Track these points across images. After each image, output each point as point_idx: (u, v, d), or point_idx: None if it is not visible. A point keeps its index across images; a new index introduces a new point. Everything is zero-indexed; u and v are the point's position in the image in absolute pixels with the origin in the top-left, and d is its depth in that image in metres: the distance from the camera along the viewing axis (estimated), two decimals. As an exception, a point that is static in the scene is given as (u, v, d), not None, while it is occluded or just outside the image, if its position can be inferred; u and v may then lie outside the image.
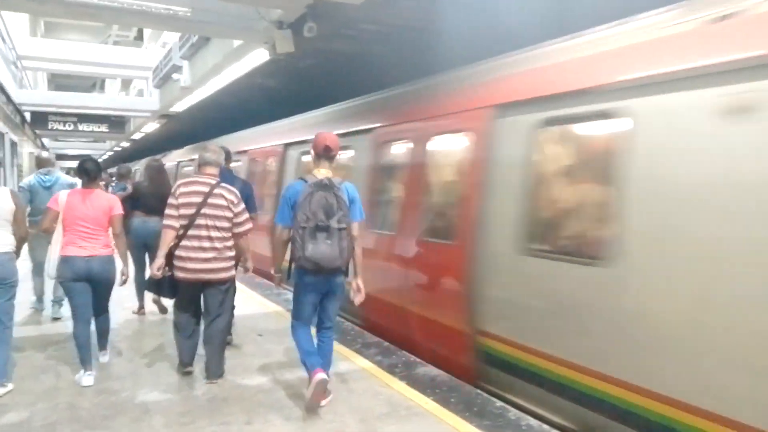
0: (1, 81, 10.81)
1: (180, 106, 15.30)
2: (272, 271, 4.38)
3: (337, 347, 5.45)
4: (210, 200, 4.39)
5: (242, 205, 4.53)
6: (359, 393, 4.38)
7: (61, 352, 5.30)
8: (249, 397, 4.29)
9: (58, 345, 5.48)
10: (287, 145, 9.33)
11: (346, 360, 5.13)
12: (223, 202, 4.42)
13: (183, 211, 4.38)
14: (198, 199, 4.39)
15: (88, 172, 4.70)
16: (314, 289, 4.09)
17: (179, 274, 4.44)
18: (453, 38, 7.15)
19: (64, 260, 4.50)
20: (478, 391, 4.50)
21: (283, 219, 4.04)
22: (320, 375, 3.91)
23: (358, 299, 4.17)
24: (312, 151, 4.16)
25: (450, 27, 7.04)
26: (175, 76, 13.93)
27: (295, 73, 11.08)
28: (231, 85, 11.30)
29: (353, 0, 6.29)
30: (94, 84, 38.98)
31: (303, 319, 4.20)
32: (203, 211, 4.38)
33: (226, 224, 4.44)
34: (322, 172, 4.03)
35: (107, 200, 4.76)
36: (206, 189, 4.42)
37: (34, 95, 20.17)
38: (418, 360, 5.19)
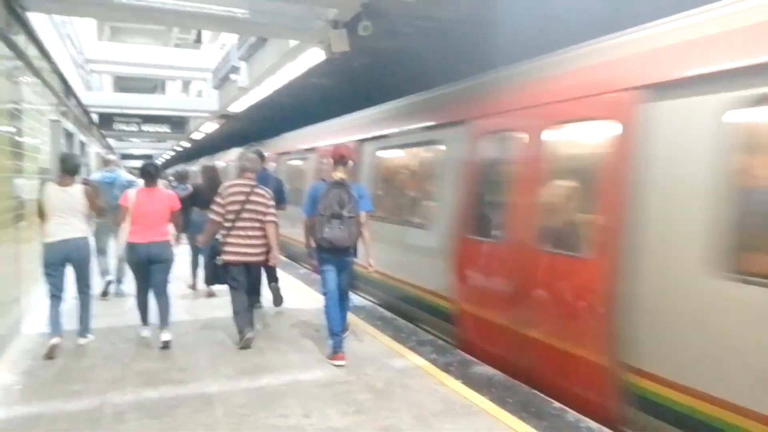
0: (71, 84, 11.32)
1: (238, 106, 15.64)
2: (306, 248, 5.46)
3: (392, 344, 5.49)
4: (250, 198, 5.49)
5: (271, 203, 5.61)
6: (415, 390, 4.38)
7: (128, 344, 5.54)
8: (306, 390, 4.36)
9: (122, 334, 5.74)
10: (361, 141, 8.84)
11: (402, 357, 5.15)
12: (260, 199, 5.52)
13: (229, 208, 5.46)
14: (241, 198, 5.47)
15: (150, 173, 5.65)
16: (331, 263, 5.17)
17: (231, 258, 5.49)
18: (510, 32, 7.04)
19: (130, 246, 5.50)
20: (535, 391, 4.43)
21: (308, 210, 5.16)
22: (340, 362, 4.96)
23: (371, 269, 5.34)
24: (331, 159, 5.19)
25: (507, 20, 6.92)
26: (233, 76, 14.25)
27: (350, 71, 11.14)
28: (287, 84, 11.47)
29: (408, -3, 6.28)
30: (155, 85, 40.36)
31: (330, 290, 5.19)
32: (246, 207, 5.46)
33: (261, 218, 5.51)
34: (338, 175, 5.12)
35: (168, 197, 5.70)
36: (247, 190, 5.52)
37: (101, 97, 21.03)
38: (473, 359, 5.16)
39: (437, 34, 8.30)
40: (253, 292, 5.99)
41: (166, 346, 5.39)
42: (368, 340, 5.68)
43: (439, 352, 5.35)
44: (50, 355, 5.09)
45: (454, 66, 8.90)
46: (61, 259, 5.33)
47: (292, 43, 9.25)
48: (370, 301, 7.55)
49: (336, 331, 5.08)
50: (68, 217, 5.33)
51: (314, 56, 8.83)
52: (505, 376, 4.71)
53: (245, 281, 5.59)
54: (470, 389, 4.39)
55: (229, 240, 5.48)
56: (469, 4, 7.03)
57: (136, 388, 4.38)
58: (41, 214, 5.36)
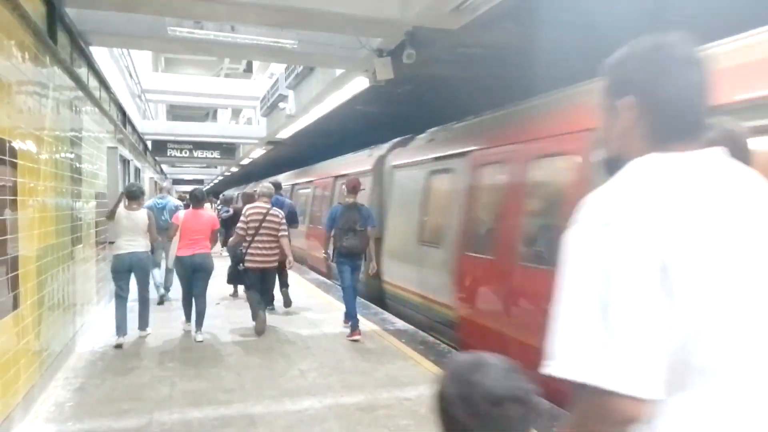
0: (128, 113, 11.84)
1: (285, 133, 16.02)
2: (323, 254, 7.37)
3: (434, 369, 5.46)
4: (267, 218, 6.97)
5: (284, 221, 7.11)
6: (456, 416, 4.33)
7: (174, 363, 5.68)
8: (348, 414, 4.38)
9: (171, 353, 5.89)
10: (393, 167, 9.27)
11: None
12: (274, 219, 7.00)
13: (250, 225, 6.91)
14: (259, 218, 6.95)
15: (197, 197, 7.06)
16: (347, 264, 6.79)
17: (251, 265, 6.94)
18: (553, 57, 7.04)
19: (178, 258, 6.75)
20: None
21: (329, 227, 6.94)
22: (357, 337, 6.56)
23: (371, 270, 7.24)
24: (345, 187, 6.93)
25: (550, 46, 6.93)
26: (281, 104, 14.64)
27: (393, 98, 11.29)
28: (332, 111, 11.71)
29: (451, 25, 6.36)
30: (207, 114, 41.69)
31: (346, 285, 6.79)
32: (264, 224, 6.92)
33: (275, 233, 6.97)
34: (351, 200, 6.85)
35: (210, 218, 7.07)
36: (264, 211, 7.01)
37: (155, 125, 21.87)
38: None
39: (479, 60, 8.37)
40: (266, 292, 7.54)
41: (200, 342, 6.50)
42: (411, 364, 5.67)
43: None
44: (118, 346, 6.25)
45: (497, 91, 8.93)
46: (127, 268, 6.55)
47: (338, 71, 9.48)
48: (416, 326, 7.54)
49: (353, 314, 6.68)
50: (133, 234, 6.56)
51: (359, 84, 9.01)
52: (548, 403, 4.61)
53: (258, 284, 7.10)
54: (513, 417, 4.31)
55: (250, 251, 6.92)
56: (510, 31, 7.07)
57: (182, 408, 4.48)
58: (112, 220, 6.73)
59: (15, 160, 4.07)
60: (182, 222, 6.79)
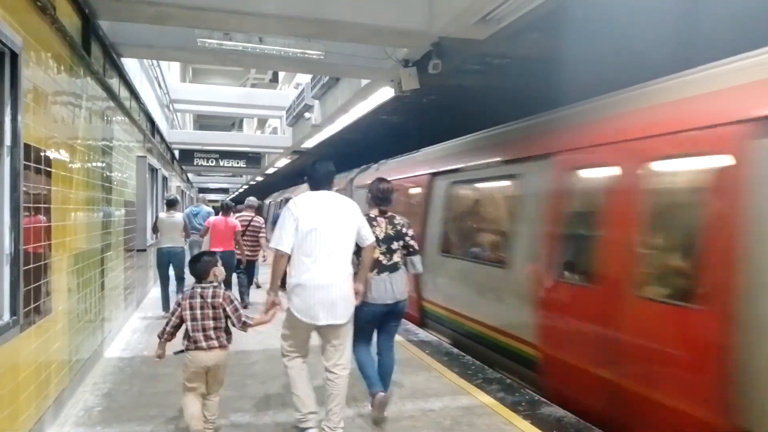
0: (156, 122, 12.05)
1: (310, 143, 16.15)
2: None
3: (459, 381, 5.43)
4: (251, 223, 9.52)
5: (264, 226, 9.69)
6: (482, 429, 4.30)
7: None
8: (371, 425, 4.36)
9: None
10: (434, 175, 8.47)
11: (468, 395, 5.07)
12: (256, 224, 9.58)
13: (239, 228, 8.99)
14: (246, 223, 9.39)
15: (225, 208, 9.17)
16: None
17: (241, 257, 9.06)
18: (577, 68, 7.00)
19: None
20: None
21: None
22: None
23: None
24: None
25: (574, 57, 6.90)
26: (306, 114, 14.78)
27: (418, 108, 11.34)
28: (357, 121, 11.79)
29: (477, 35, 6.37)
30: (233, 123, 42.22)
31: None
32: (248, 229, 9.43)
33: (257, 235, 9.56)
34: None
35: (233, 223, 8.87)
36: (249, 218, 9.55)
37: (183, 134, 22.20)
38: (542, 399, 5.02)
39: (505, 70, 8.37)
40: (251, 276, 9.80)
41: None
42: (435, 376, 5.64)
43: (507, 390, 5.23)
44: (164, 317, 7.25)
45: (522, 101, 8.90)
46: (167, 260, 8.67)
47: (364, 81, 9.54)
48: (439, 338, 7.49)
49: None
50: (172, 233, 8.67)
51: (384, 94, 9.05)
52: (576, 418, 4.55)
53: (245, 270, 9.40)
54: (539, 430, 4.26)
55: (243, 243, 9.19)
56: (536, 41, 7.06)
57: (208, 415, 4.51)
58: (156, 231, 8.88)
59: (49, 169, 4.17)
60: (213, 225, 8.81)
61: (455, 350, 6.68)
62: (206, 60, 9.07)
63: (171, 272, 8.87)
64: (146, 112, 10.33)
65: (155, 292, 9.77)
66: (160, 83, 14.62)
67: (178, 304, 3.98)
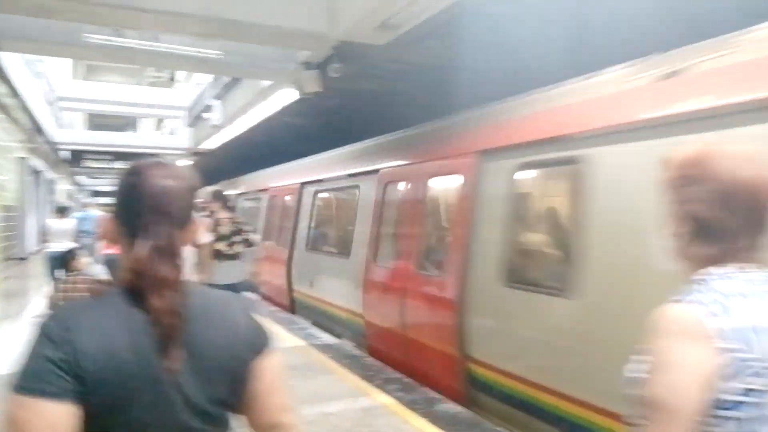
0: (41, 121, 11.27)
1: (211, 144, 15.70)
2: None
3: (359, 383, 5.47)
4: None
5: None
6: (380, 430, 4.35)
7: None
8: None
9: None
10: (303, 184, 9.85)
11: (368, 396, 5.12)
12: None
13: None
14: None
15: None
16: None
17: None
18: (475, 76, 7.27)
19: (105, 256, 8.03)
20: (499, 429, 4.44)
21: None
22: None
23: None
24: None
25: (472, 65, 7.16)
26: (206, 115, 14.36)
27: (323, 111, 11.31)
28: (261, 123, 11.59)
29: (378, 41, 6.46)
30: (127, 123, 40.23)
31: None
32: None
33: None
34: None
35: None
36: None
37: (72, 134, 20.89)
38: (439, 396, 5.16)
39: (406, 76, 8.53)
40: None
41: None
42: (336, 379, 5.65)
43: (407, 390, 5.33)
44: None
45: (422, 107, 9.12)
46: (58, 263, 7.72)
47: (266, 83, 9.41)
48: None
49: None
50: (61, 238, 8.81)
51: (287, 96, 8.98)
52: (470, 412, 4.71)
53: None
54: (435, 427, 4.38)
55: None
56: (435, 49, 7.26)
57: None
58: (45, 238, 9.25)
59: None
60: (104, 228, 8.27)
61: (357, 352, 6.72)
62: (95, 57, 8.63)
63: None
64: (28, 110, 9.63)
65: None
66: (47, 79, 13.69)
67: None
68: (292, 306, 9.33)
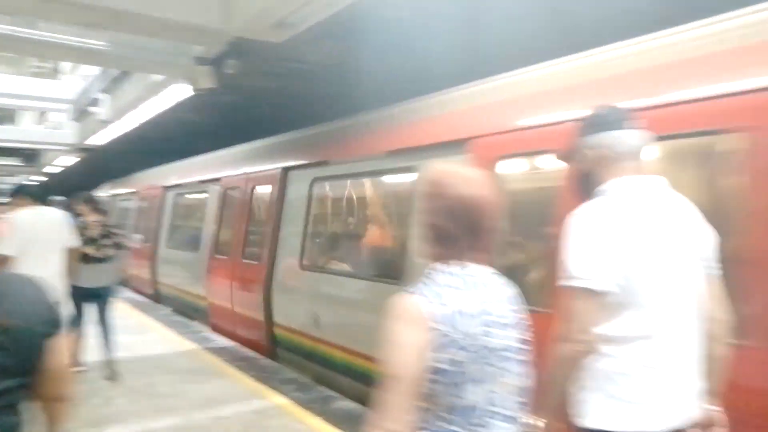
0: None
1: (99, 140, 14.82)
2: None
3: (254, 385, 5.40)
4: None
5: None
6: (274, 431, 4.32)
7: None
8: (158, 439, 4.16)
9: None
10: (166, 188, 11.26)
11: (262, 398, 5.06)
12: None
13: None
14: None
15: None
16: None
17: None
18: (373, 77, 7.37)
19: None
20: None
21: None
22: None
23: None
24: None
25: (369, 67, 7.25)
26: (93, 109, 13.54)
27: (220, 108, 11.01)
28: (154, 118, 11.09)
29: (274, 38, 6.38)
30: (5, 115, 37.15)
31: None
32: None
33: None
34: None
35: None
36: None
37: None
38: (335, 394, 5.19)
39: (305, 76, 8.49)
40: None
41: None
42: (229, 382, 5.53)
43: (303, 389, 5.32)
44: None
45: (320, 106, 9.12)
46: None
47: (157, 77, 9.02)
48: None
49: None
50: None
51: (180, 91, 8.66)
52: (362, 407, 4.78)
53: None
54: (330, 425, 4.40)
55: None
56: (332, 49, 7.27)
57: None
58: None
59: None
60: None
61: (252, 354, 6.63)
62: (-37, 42, 7.89)
63: None
64: None
65: None
66: None
67: None
68: (158, 296, 10.63)
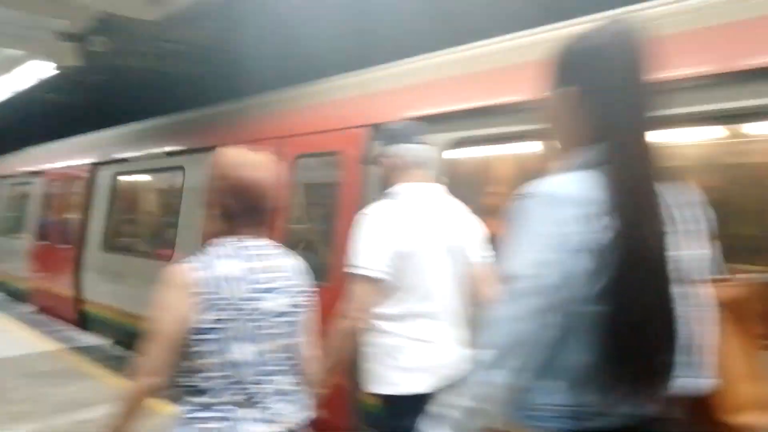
0: None
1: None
2: None
3: (122, 385, 5.09)
4: None
5: None
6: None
7: None
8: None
9: None
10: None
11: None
12: None
13: None
14: None
15: None
16: None
17: None
18: (251, 61, 7.16)
19: None
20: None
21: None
22: None
23: None
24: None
25: (247, 50, 7.05)
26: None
27: (90, 87, 10.30)
28: (12, 98, 10.16)
29: (147, 15, 6.03)
30: None
31: None
32: None
33: None
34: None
35: None
36: None
37: None
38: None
39: (182, 56, 8.13)
40: None
41: None
42: (96, 383, 5.19)
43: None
44: None
45: (197, 88, 8.77)
46: None
47: (14, 51, 8.23)
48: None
49: None
50: None
51: (41, 68, 7.97)
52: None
53: None
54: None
55: None
56: (210, 30, 7.01)
57: None
58: None
59: None
60: None
61: (122, 353, 6.26)
62: None
63: None
64: None
65: None
66: None
67: None
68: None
